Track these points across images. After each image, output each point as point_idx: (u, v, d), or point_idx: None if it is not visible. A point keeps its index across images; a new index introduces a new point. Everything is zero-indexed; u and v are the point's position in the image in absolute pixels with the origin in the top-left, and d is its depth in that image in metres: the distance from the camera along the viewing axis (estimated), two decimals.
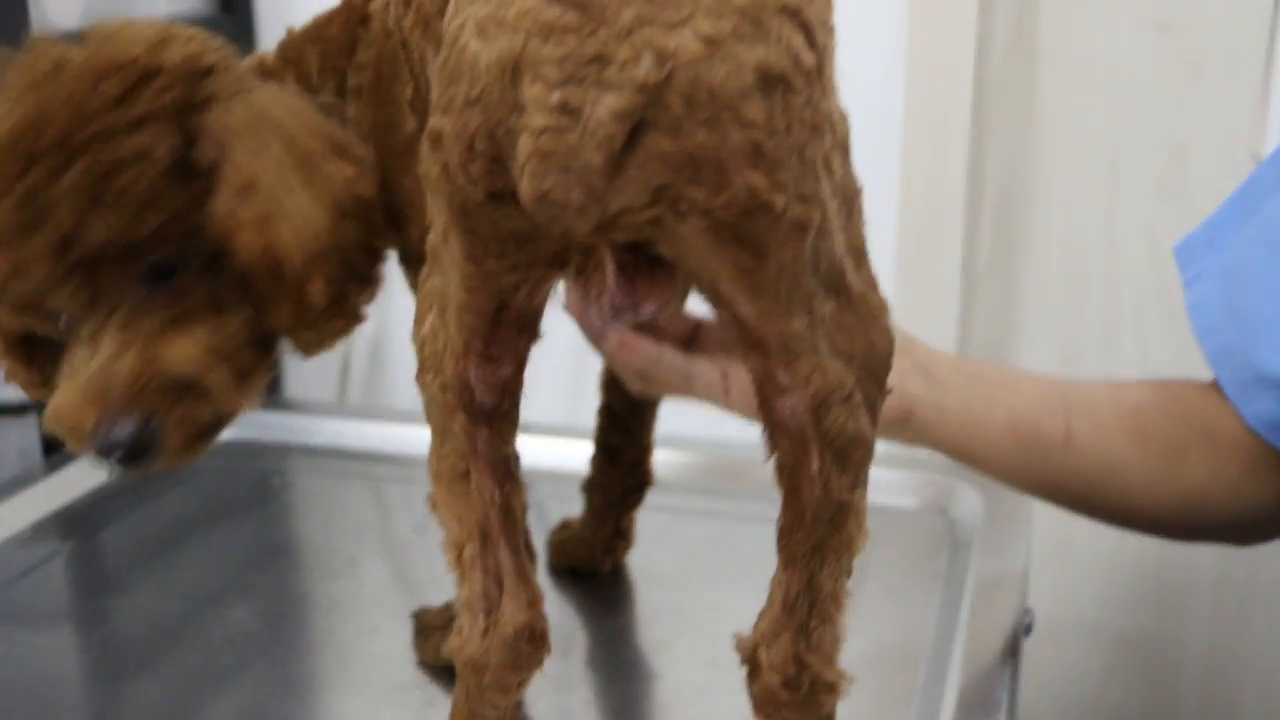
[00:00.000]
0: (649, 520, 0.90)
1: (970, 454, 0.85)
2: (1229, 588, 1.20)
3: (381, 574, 0.92)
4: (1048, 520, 1.21)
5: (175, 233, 0.62)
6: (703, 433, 1.03)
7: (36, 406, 1.03)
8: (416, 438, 1.07)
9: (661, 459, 0.93)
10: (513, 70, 0.47)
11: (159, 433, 0.61)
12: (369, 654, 0.81)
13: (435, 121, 0.51)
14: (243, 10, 1.26)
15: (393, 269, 1.27)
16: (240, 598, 0.88)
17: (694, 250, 0.51)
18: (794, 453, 0.55)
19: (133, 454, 0.61)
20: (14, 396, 1.04)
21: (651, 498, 0.90)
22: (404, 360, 1.30)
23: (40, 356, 0.67)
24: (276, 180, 0.63)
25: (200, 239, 0.62)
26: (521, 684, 0.61)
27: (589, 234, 0.49)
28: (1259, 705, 1.22)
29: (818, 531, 0.56)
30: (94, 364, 0.61)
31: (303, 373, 1.35)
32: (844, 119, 0.53)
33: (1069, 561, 1.24)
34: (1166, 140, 1.12)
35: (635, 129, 0.47)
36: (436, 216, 0.55)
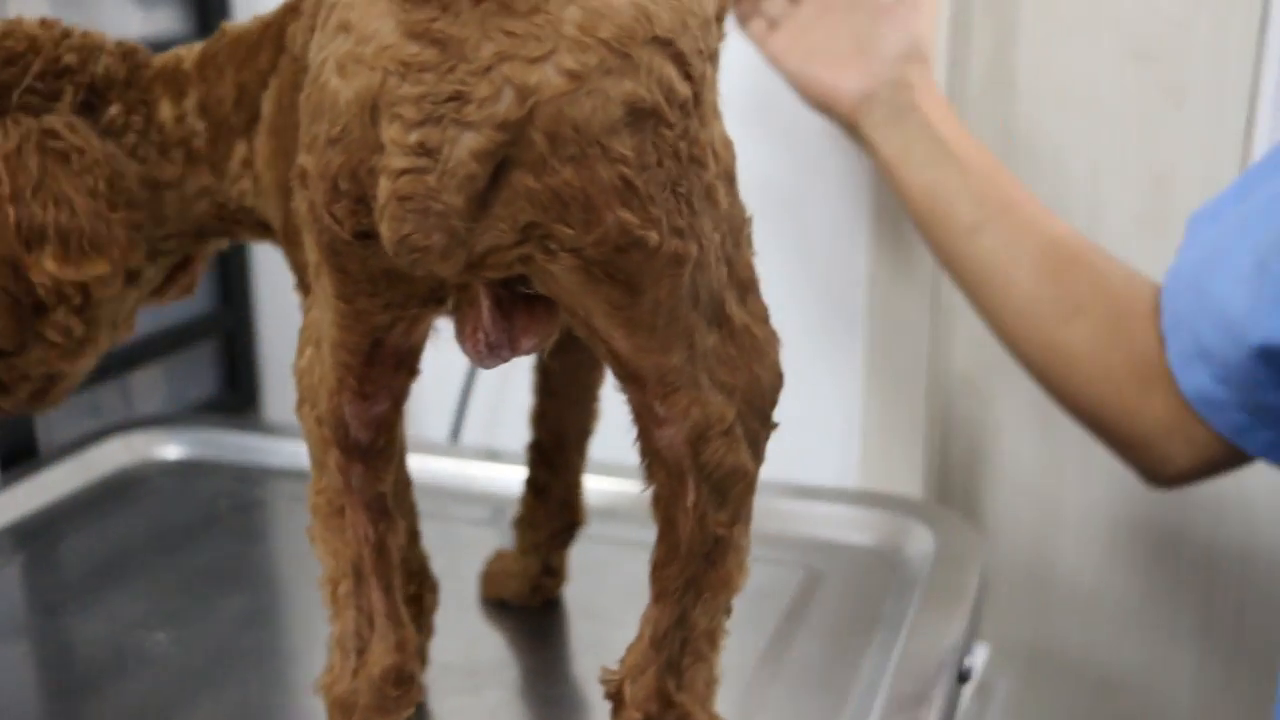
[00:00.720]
0: (589, 551, 0.89)
1: (894, 187, 0.96)
2: (1218, 626, 1.18)
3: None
4: (1027, 557, 1.21)
5: None
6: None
7: None
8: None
9: (605, 488, 0.92)
10: (371, 109, 0.46)
11: None
12: (292, 682, 0.81)
13: (301, 159, 0.50)
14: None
15: None
16: (159, 626, 0.87)
17: (566, 287, 0.50)
18: (670, 484, 0.55)
19: None
20: None
21: (594, 528, 0.88)
22: None
23: None
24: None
25: None
26: None
27: (456, 275, 0.48)
28: None
29: (692, 566, 0.56)
30: None
31: (282, 388, 1.35)
32: (728, 147, 0.53)
33: (1049, 601, 1.23)
34: (1148, 170, 1.10)
35: (499, 167, 0.46)
36: (310, 253, 0.54)
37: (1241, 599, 1.17)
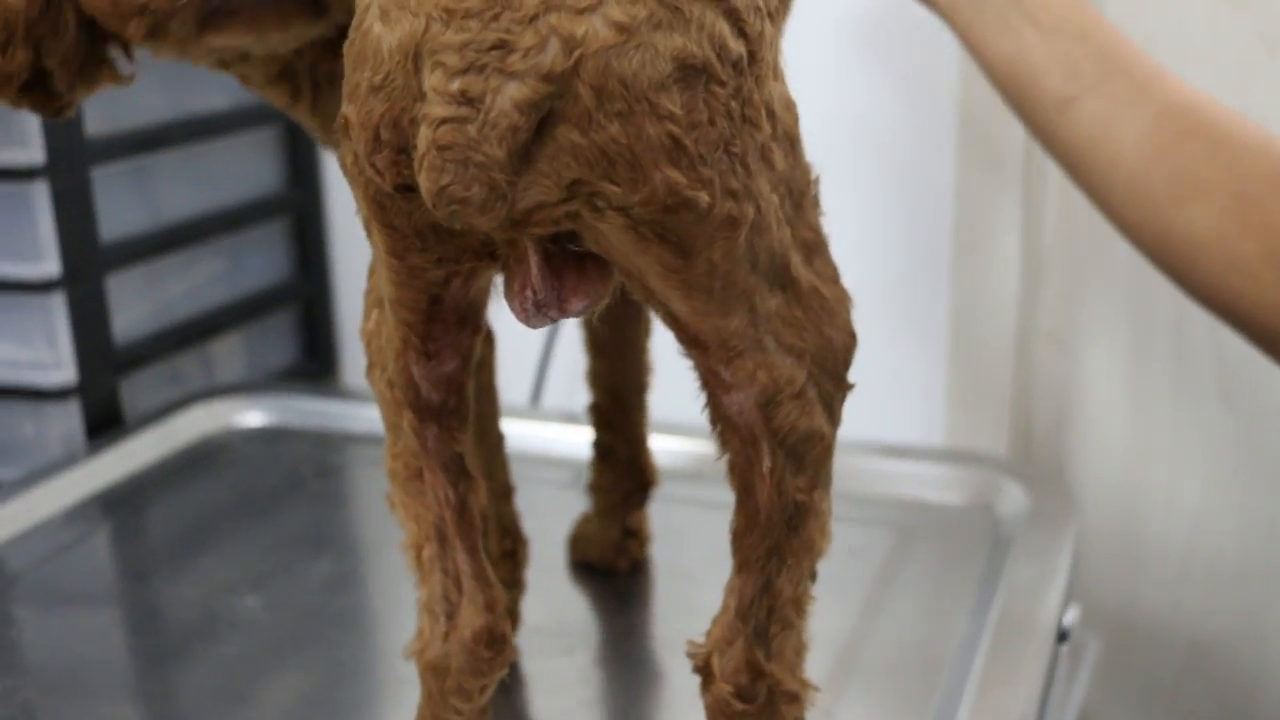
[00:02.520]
0: (674, 513, 0.90)
1: (979, 65, 0.87)
2: None
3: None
4: (1115, 517, 1.19)
5: None
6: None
7: (79, 390, 1.05)
8: None
9: (691, 450, 0.90)
10: (414, 56, 0.45)
11: None
12: (383, 645, 0.82)
13: (344, 109, 0.49)
14: None
15: None
16: (249, 591, 0.87)
17: (617, 247, 0.49)
18: (744, 451, 0.53)
19: None
20: (56, 381, 1.05)
21: (678, 490, 0.89)
22: None
23: None
24: None
25: None
26: (484, 689, 0.59)
27: (499, 230, 0.47)
28: None
29: (773, 533, 0.55)
30: None
31: (359, 355, 1.35)
32: (789, 108, 0.52)
33: (1138, 561, 1.21)
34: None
35: (544, 121, 0.44)
36: (359, 208, 0.53)
37: None
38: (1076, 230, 1.16)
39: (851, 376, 0.56)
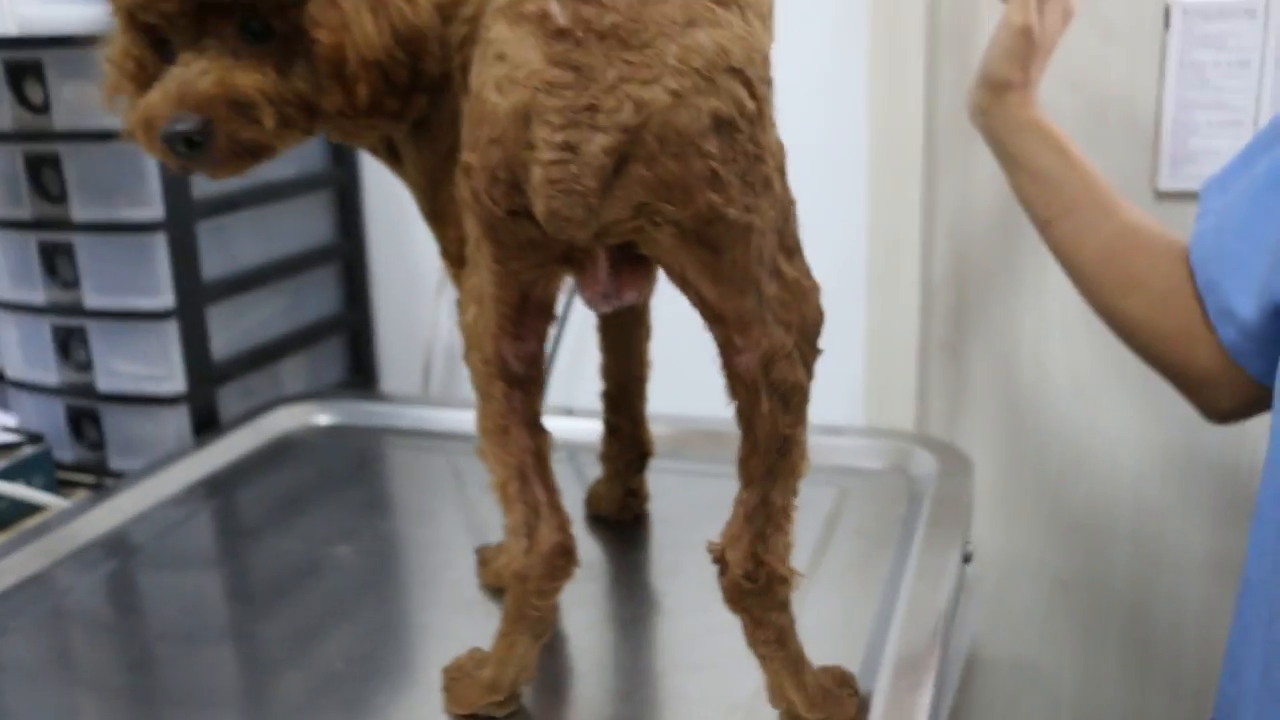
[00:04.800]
0: (662, 480, 0.93)
1: (1000, 157, 0.96)
2: (1145, 537, 1.21)
3: (455, 522, 0.95)
4: (999, 481, 1.24)
5: (275, 6, 0.64)
6: (703, 412, 1.06)
7: (187, 398, 1.09)
8: None
9: (668, 432, 0.95)
10: (524, 117, 0.50)
11: (212, 133, 0.63)
12: (446, 580, 0.84)
13: (465, 156, 0.55)
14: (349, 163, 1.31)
15: None
16: (347, 541, 0.91)
17: (667, 250, 0.54)
18: (748, 398, 0.58)
19: (189, 144, 0.62)
20: (169, 390, 1.08)
21: (664, 462, 0.92)
22: None
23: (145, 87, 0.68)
24: (359, 4, 0.65)
25: (291, 22, 0.65)
26: (557, 590, 0.63)
27: (587, 240, 0.53)
28: (1170, 636, 1.23)
29: (769, 458, 0.59)
30: (180, 76, 0.63)
31: (394, 370, 1.38)
32: (781, 148, 0.57)
33: (1018, 515, 1.25)
34: None
35: (620, 161, 0.50)
36: (470, 230, 0.59)
37: (1164, 514, 1.21)
38: (960, 266, 1.19)
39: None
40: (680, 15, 0.50)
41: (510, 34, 0.52)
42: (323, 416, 1.17)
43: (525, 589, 0.62)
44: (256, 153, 0.65)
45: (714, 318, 0.57)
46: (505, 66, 0.51)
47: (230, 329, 1.15)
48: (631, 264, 0.57)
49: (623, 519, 0.91)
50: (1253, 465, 1.15)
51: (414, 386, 1.37)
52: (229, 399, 1.15)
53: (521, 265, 0.57)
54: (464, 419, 1.13)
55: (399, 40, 0.66)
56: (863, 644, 0.73)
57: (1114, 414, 1.19)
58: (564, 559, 0.62)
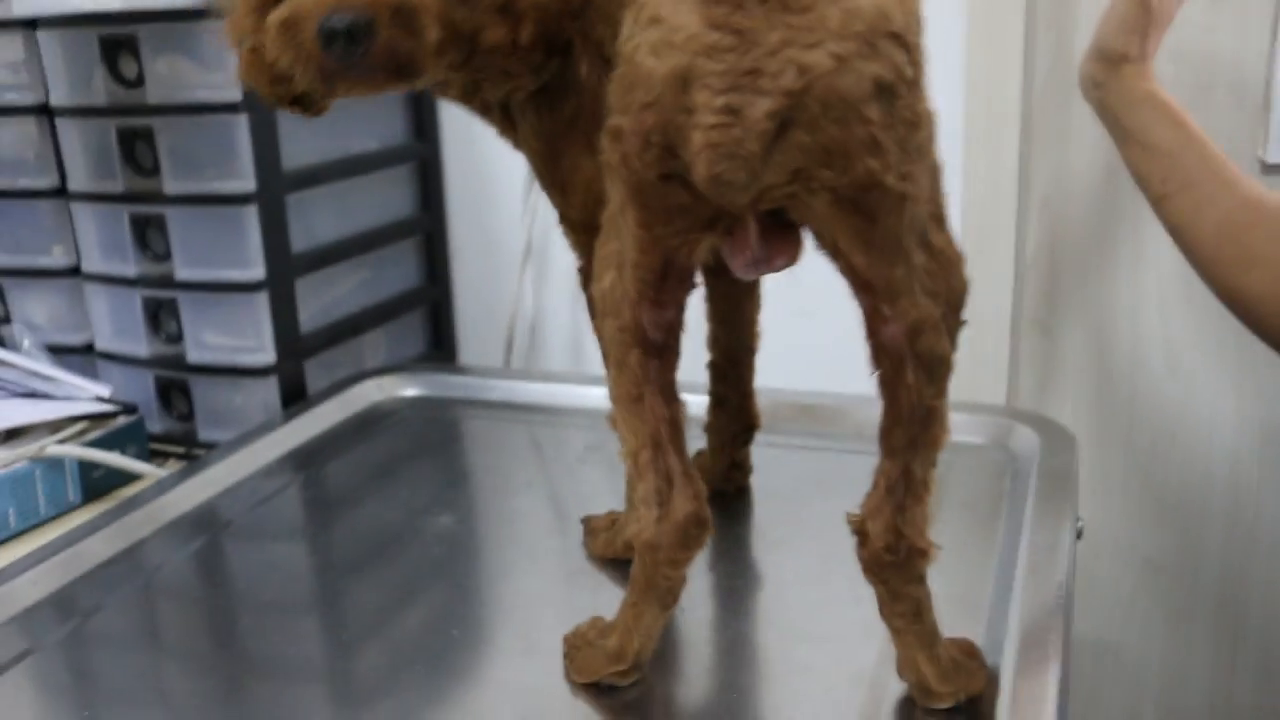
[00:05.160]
0: (766, 453, 0.92)
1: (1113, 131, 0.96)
2: (1240, 519, 1.20)
3: (546, 493, 0.95)
4: (1087, 458, 1.22)
5: None
6: (805, 385, 1.06)
7: (276, 370, 1.10)
8: (564, 393, 1.13)
9: (771, 405, 0.93)
10: (682, 81, 0.50)
11: (374, 34, 0.60)
12: (549, 549, 0.84)
13: (615, 120, 0.54)
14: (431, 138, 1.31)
15: (547, 260, 1.32)
16: (444, 510, 0.91)
17: (820, 217, 0.53)
18: (893, 369, 0.57)
19: (350, 38, 0.59)
20: (260, 361, 1.09)
21: (767, 436, 0.91)
22: (555, 334, 1.34)
23: None
24: None
25: None
26: (689, 559, 0.63)
27: (741, 205, 0.52)
28: (1262, 621, 1.21)
29: (911, 430, 0.58)
30: None
31: (472, 344, 1.39)
32: (932, 117, 0.55)
33: (1106, 493, 1.24)
34: None
35: (781, 125, 0.49)
36: (614, 194, 0.58)
37: (1259, 492, 1.19)
38: (1054, 241, 1.18)
39: None
40: None
41: None
42: (409, 389, 1.17)
43: (656, 558, 0.62)
44: (407, 69, 0.63)
45: (862, 286, 0.56)
46: (661, 30, 0.51)
47: (314, 302, 1.16)
48: (781, 230, 0.56)
49: (725, 491, 0.90)
50: None
51: (493, 359, 1.37)
52: (312, 372, 1.16)
53: (668, 231, 0.56)
54: (545, 391, 1.15)
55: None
56: (983, 617, 0.73)
57: (1209, 392, 1.18)
58: (698, 528, 0.61)
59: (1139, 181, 0.94)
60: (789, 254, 0.57)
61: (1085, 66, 0.96)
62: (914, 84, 0.52)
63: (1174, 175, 0.90)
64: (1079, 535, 0.83)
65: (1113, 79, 0.93)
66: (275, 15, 0.62)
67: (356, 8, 0.60)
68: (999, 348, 1.17)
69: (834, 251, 0.55)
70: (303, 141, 1.09)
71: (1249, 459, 1.18)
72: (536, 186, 1.29)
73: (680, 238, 0.56)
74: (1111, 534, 1.24)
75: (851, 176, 0.51)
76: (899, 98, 0.51)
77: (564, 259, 1.32)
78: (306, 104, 0.70)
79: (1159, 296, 1.17)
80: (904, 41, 0.51)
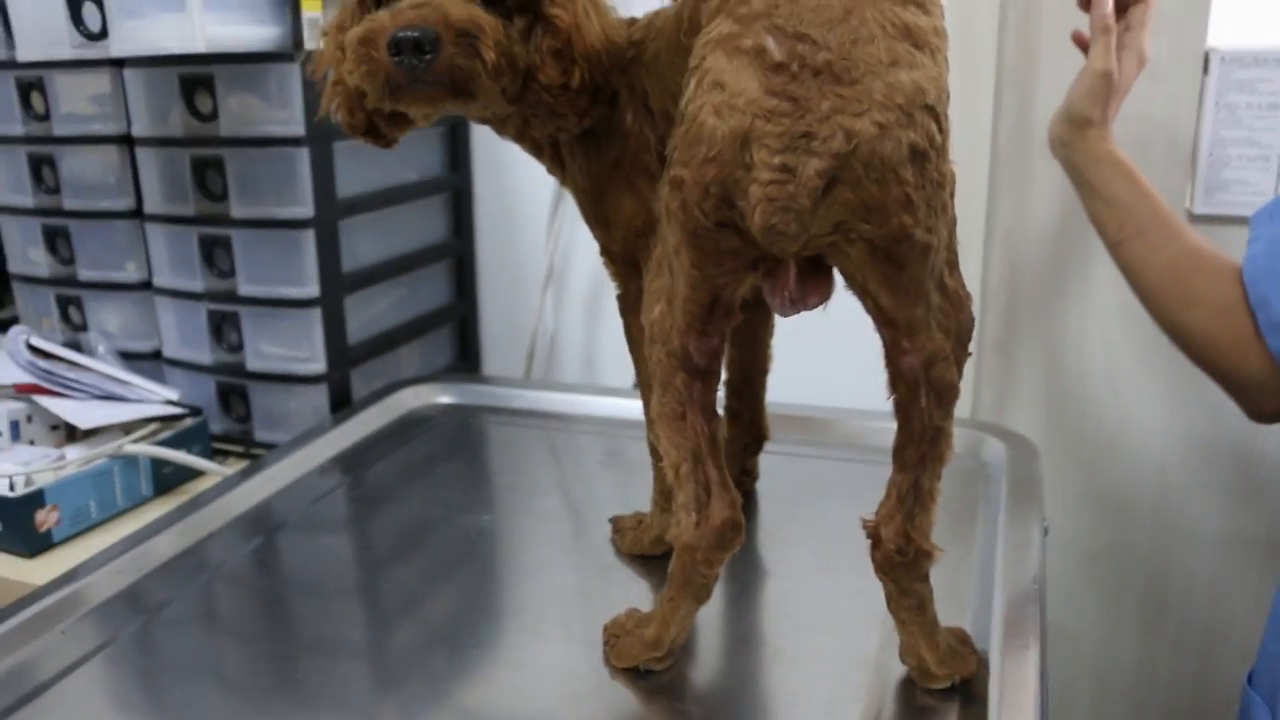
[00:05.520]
0: (768, 460, 0.92)
1: (1077, 185, 0.96)
2: (1164, 515, 1.21)
3: (571, 495, 0.94)
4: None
5: None
6: (803, 400, 1.05)
7: (326, 378, 1.08)
8: (580, 402, 1.12)
9: (772, 418, 0.94)
10: (742, 140, 0.50)
11: (440, 49, 0.60)
12: (580, 546, 0.84)
13: (676, 171, 0.53)
14: (464, 170, 1.30)
15: (565, 282, 1.31)
16: (474, 507, 0.90)
17: (855, 263, 0.54)
18: (909, 394, 0.58)
19: (417, 49, 0.60)
20: (312, 370, 1.08)
21: (769, 445, 0.90)
22: (571, 349, 1.34)
23: None
24: (587, 5, 0.67)
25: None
26: (723, 559, 0.62)
27: (785, 251, 0.52)
28: (1181, 601, 1.23)
29: (922, 447, 0.59)
30: (413, 2, 0.61)
31: (495, 357, 1.38)
32: (953, 175, 0.56)
33: (1055, 494, 1.23)
34: None
35: (828, 183, 0.49)
36: (670, 237, 0.57)
37: (1183, 494, 1.20)
38: (1014, 272, 1.18)
39: None
40: (885, 56, 0.50)
41: (728, 65, 0.51)
42: (443, 397, 1.16)
43: (694, 558, 0.62)
44: (466, 85, 0.62)
45: (886, 322, 0.56)
46: (724, 94, 0.51)
47: (358, 317, 1.15)
48: (816, 273, 0.56)
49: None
50: (1263, 453, 1.15)
51: (514, 371, 1.37)
52: (355, 379, 1.14)
53: (718, 271, 0.56)
54: (564, 400, 1.14)
55: (607, 45, 0.67)
56: (969, 608, 0.73)
57: (1142, 408, 1.19)
58: (733, 532, 0.61)
59: (1098, 229, 0.95)
60: (822, 294, 0.57)
61: (1054, 128, 0.97)
62: (942, 149, 0.52)
63: (1128, 224, 0.92)
64: (1046, 533, 0.83)
65: (1078, 139, 0.95)
66: (354, 32, 0.62)
67: (425, 24, 0.60)
68: (966, 365, 1.16)
69: (863, 292, 0.55)
70: (353, 173, 1.09)
71: (1174, 465, 1.19)
72: (559, 215, 1.29)
73: (728, 277, 0.56)
74: (1056, 528, 1.24)
75: (887, 229, 0.51)
76: (929, 161, 0.51)
77: (582, 281, 1.32)
78: (379, 134, 0.70)
79: (1102, 324, 1.18)
80: (936, 112, 0.51)
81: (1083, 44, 0.98)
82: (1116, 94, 0.93)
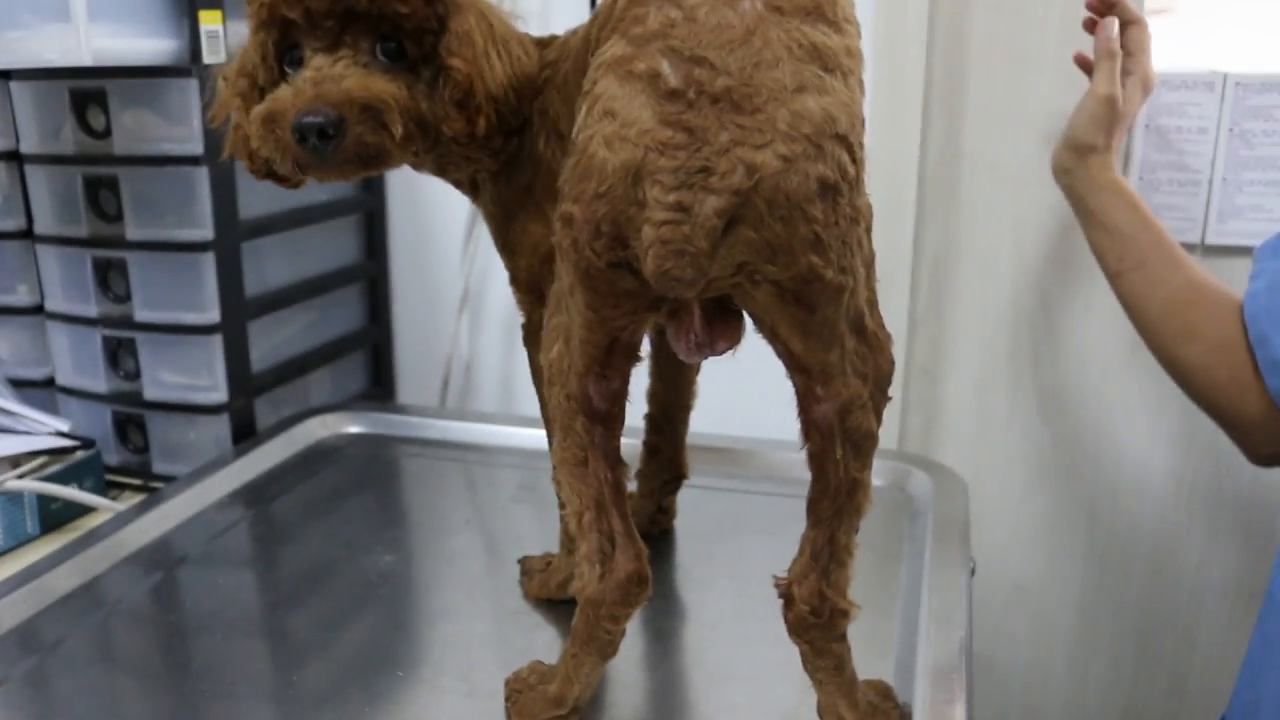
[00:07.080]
0: (685, 494, 0.89)
1: (1079, 213, 0.95)
2: (1095, 545, 1.20)
3: (482, 532, 0.91)
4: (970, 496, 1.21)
5: (413, 28, 0.62)
6: (723, 430, 1.03)
7: (229, 408, 1.04)
8: (497, 433, 1.09)
9: (688, 449, 0.92)
10: (634, 174, 0.46)
11: (345, 131, 0.58)
12: (487, 589, 0.80)
13: (567, 207, 0.50)
14: (377, 190, 1.26)
15: (482, 305, 1.27)
16: (378, 547, 0.86)
17: (762, 306, 0.50)
18: (823, 444, 0.54)
19: (321, 135, 0.58)
20: (213, 399, 1.03)
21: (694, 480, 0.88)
22: (489, 377, 1.30)
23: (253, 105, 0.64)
24: (486, 42, 0.64)
25: (425, 48, 0.62)
26: (629, 615, 0.59)
27: (689, 297, 0.49)
28: (1111, 625, 1.22)
29: (838, 500, 0.55)
30: (316, 77, 0.59)
31: (410, 383, 1.34)
32: (869, 209, 0.52)
33: (983, 526, 1.23)
34: (1056, 220, 1.11)
35: (729, 222, 0.46)
36: (564, 275, 0.54)
37: (1114, 533, 1.20)
38: (941, 296, 1.17)
39: None
40: (790, 81, 0.46)
41: (620, 91, 0.47)
42: (352, 426, 1.13)
43: (598, 613, 0.59)
44: (376, 159, 0.61)
45: (798, 369, 0.53)
46: (615, 123, 0.47)
47: (265, 342, 1.11)
48: (723, 316, 0.53)
49: (650, 534, 0.87)
50: (1194, 480, 1.14)
51: (430, 398, 1.32)
52: (261, 407, 1.10)
53: (615, 313, 0.52)
54: (479, 431, 1.11)
55: (513, 83, 0.64)
56: (892, 655, 0.71)
57: (1076, 435, 1.18)
58: (639, 586, 0.58)
59: (1098, 258, 0.93)
60: (730, 338, 0.53)
61: (1057, 155, 0.95)
62: (855, 182, 0.49)
63: (1129, 254, 0.90)
64: (973, 573, 0.82)
65: (1080, 167, 0.93)
66: (257, 110, 0.60)
67: (328, 106, 0.58)
68: (893, 393, 1.14)
69: (772, 336, 0.52)
70: (258, 192, 1.04)
71: (1107, 495, 1.18)
72: (474, 236, 1.25)
73: (626, 319, 0.53)
74: (983, 561, 1.23)
75: (794, 271, 0.48)
76: (841, 196, 0.47)
77: (498, 305, 1.28)
78: (282, 178, 0.67)
79: (1034, 352, 1.16)
80: (848, 142, 0.47)
81: (1086, 66, 0.97)
82: (1121, 120, 0.92)
